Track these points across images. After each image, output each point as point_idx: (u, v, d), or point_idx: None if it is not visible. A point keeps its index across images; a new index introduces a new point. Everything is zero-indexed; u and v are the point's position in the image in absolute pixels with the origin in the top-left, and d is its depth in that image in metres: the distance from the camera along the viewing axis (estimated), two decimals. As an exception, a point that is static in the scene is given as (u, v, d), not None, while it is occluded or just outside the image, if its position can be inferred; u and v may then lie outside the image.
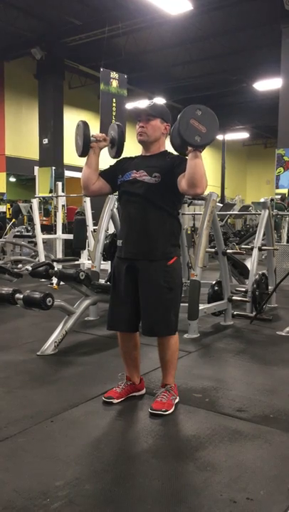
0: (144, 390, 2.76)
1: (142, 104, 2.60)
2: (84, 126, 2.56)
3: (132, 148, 2.62)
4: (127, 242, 2.51)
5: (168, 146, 2.55)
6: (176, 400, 2.59)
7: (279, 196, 8.03)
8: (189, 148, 2.25)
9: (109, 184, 2.61)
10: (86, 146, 2.56)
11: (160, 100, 12.26)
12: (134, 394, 2.70)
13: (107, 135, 2.64)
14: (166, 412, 2.46)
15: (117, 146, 2.63)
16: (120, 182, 2.56)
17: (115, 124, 2.67)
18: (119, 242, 2.58)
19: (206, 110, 2.22)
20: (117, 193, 2.68)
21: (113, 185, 2.61)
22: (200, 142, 2.20)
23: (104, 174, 2.62)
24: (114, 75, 9.22)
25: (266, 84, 11.66)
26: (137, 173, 2.48)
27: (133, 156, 2.63)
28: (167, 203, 2.48)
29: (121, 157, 2.67)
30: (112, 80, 9.08)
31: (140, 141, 2.53)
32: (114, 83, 9.13)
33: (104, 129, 7.88)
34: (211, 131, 2.21)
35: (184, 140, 2.23)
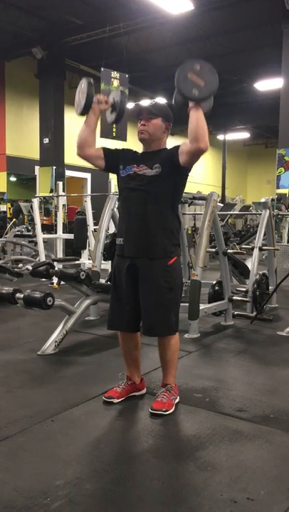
0: (145, 389, 2.76)
1: (144, 103, 2.59)
2: (88, 85, 2.49)
3: (134, 148, 2.61)
4: (127, 238, 2.50)
5: (168, 146, 2.55)
6: (177, 400, 2.59)
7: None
8: (190, 104, 2.25)
9: (105, 160, 2.57)
10: (88, 105, 2.50)
11: (161, 100, 12.26)
12: (134, 394, 2.70)
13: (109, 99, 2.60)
14: (167, 412, 2.46)
15: (117, 111, 2.58)
16: (122, 175, 2.53)
17: (119, 90, 2.65)
18: (119, 240, 2.56)
19: (205, 64, 2.22)
20: (117, 193, 2.67)
21: (108, 164, 2.57)
22: (198, 95, 2.21)
23: (106, 150, 2.59)
24: (115, 74, 9.22)
25: (267, 84, 11.64)
26: (138, 168, 2.47)
27: (137, 151, 2.60)
28: (167, 198, 2.47)
29: (125, 148, 2.64)
30: (112, 80, 9.08)
31: (141, 140, 2.53)
32: (116, 83, 9.13)
33: (105, 127, 7.88)
34: (209, 85, 2.21)
35: (182, 93, 2.23)
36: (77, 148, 2.57)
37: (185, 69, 2.21)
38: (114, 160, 2.58)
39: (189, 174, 2.53)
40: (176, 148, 2.41)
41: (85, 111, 2.53)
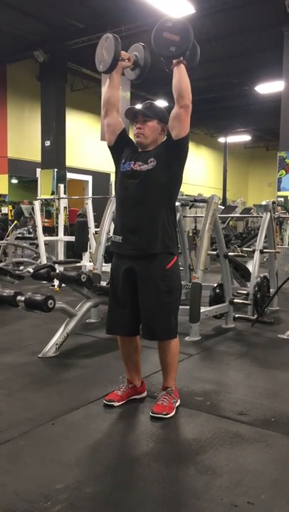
0: (145, 392, 2.75)
1: (139, 105, 2.59)
2: (115, 41, 2.42)
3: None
4: (125, 236, 2.47)
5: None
6: (177, 403, 2.59)
7: (281, 199, 8.03)
8: (173, 62, 2.30)
9: (115, 140, 2.56)
10: (114, 63, 2.44)
11: (162, 103, 12.28)
12: (135, 397, 2.70)
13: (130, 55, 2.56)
14: (167, 415, 2.46)
15: (141, 69, 2.53)
16: (121, 170, 2.52)
17: (140, 44, 2.56)
18: (116, 238, 2.51)
19: (176, 20, 2.26)
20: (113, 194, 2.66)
21: (115, 145, 2.57)
22: (176, 52, 2.26)
23: (123, 133, 2.57)
24: (116, 77, 9.21)
25: (268, 87, 11.67)
26: (135, 165, 2.47)
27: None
28: (164, 191, 2.46)
29: (131, 138, 2.63)
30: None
31: (137, 143, 2.53)
32: (117, 86, 9.12)
33: (104, 131, 7.89)
34: (184, 39, 2.26)
35: (160, 53, 2.28)
36: (102, 108, 2.57)
37: (159, 29, 2.24)
38: (121, 147, 2.57)
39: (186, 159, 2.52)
40: (168, 133, 2.43)
41: (111, 69, 2.48)
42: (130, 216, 2.47)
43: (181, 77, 2.33)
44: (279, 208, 7.72)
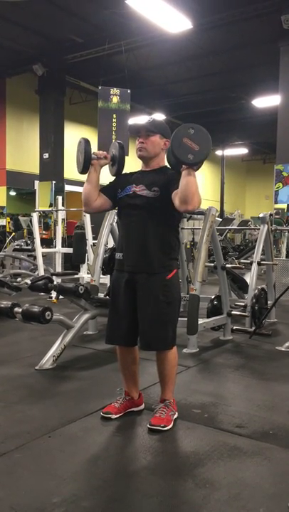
0: (143, 405, 2.74)
1: (142, 120, 2.62)
2: (85, 144, 2.58)
3: (134, 163, 2.64)
4: (127, 254, 2.52)
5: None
6: (175, 416, 2.57)
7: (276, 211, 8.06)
8: (183, 166, 2.28)
9: (110, 200, 2.62)
10: (87, 163, 2.57)
11: (160, 116, 12.38)
12: (132, 409, 2.68)
13: (108, 153, 2.66)
14: (165, 428, 2.44)
15: (117, 164, 2.64)
16: (120, 196, 2.57)
17: (116, 142, 2.69)
18: (118, 255, 2.59)
19: (199, 128, 2.25)
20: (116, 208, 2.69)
21: (114, 200, 2.62)
22: (193, 160, 2.23)
23: (105, 190, 2.63)
24: (114, 91, 9.30)
25: (265, 101, 11.79)
26: (137, 188, 2.51)
27: (133, 171, 2.65)
28: (166, 217, 2.50)
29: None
30: (112, 97, 9.16)
31: (140, 157, 2.56)
32: (115, 99, 9.21)
33: (101, 146, 7.94)
34: (203, 149, 2.24)
35: (177, 158, 2.26)
36: (83, 205, 2.64)
37: (180, 134, 2.24)
38: (114, 192, 2.61)
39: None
40: (173, 181, 2.39)
41: (85, 169, 2.59)
42: (132, 237, 2.51)
43: (189, 184, 2.27)
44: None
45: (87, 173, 2.60)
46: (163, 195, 2.44)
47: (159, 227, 2.48)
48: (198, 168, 2.33)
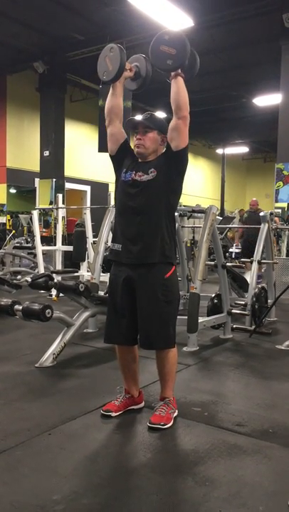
0: (143, 403, 2.74)
1: (139, 116, 2.62)
2: (121, 52, 2.46)
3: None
4: (125, 244, 2.49)
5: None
6: (175, 414, 2.57)
7: (279, 210, 8.07)
8: (171, 74, 2.31)
9: (117, 150, 2.58)
10: (120, 72, 2.47)
11: (161, 114, 12.37)
12: (132, 407, 2.68)
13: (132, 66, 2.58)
14: (165, 426, 2.44)
15: (143, 79, 2.56)
16: (122, 178, 2.54)
17: (141, 55, 2.58)
18: (115, 246, 2.53)
19: (173, 33, 2.27)
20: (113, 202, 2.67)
21: (117, 155, 2.59)
22: (172, 65, 2.26)
23: (125, 143, 2.59)
24: (115, 88, 9.28)
25: (266, 100, 11.77)
26: (136, 175, 2.49)
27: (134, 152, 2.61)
28: (164, 202, 2.48)
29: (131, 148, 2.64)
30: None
31: (138, 154, 2.55)
32: (116, 97, 9.19)
33: (102, 142, 7.93)
34: (181, 52, 2.26)
35: (158, 67, 2.29)
36: (106, 117, 2.58)
37: (156, 43, 2.26)
38: (122, 157, 2.59)
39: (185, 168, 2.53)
40: (168, 144, 2.43)
41: (116, 79, 2.50)
42: (130, 225, 2.49)
43: (178, 89, 2.34)
44: (277, 218, 7.75)
45: (112, 84, 2.53)
46: (160, 175, 2.44)
47: (156, 212, 2.46)
48: (187, 76, 2.34)
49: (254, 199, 9.48)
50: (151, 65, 2.36)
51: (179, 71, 2.37)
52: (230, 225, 9.87)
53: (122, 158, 2.59)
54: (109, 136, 2.63)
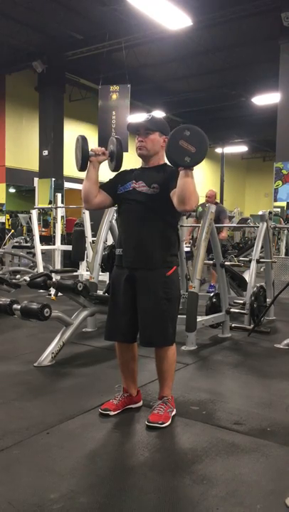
0: (141, 402, 2.75)
1: (141, 117, 2.62)
2: (82, 141, 2.58)
3: (135, 159, 2.64)
4: (126, 250, 2.53)
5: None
6: (173, 413, 2.58)
7: (278, 209, 8.08)
8: (180, 168, 2.27)
9: (110, 197, 2.61)
10: (85, 161, 2.58)
11: (159, 113, 12.36)
12: (131, 406, 2.69)
13: (106, 149, 2.66)
14: (163, 425, 2.45)
15: (116, 159, 2.64)
16: (120, 192, 2.57)
17: (114, 137, 2.69)
18: (118, 251, 2.59)
19: (195, 130, 2.23)
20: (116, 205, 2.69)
21: (114, 197, 2.61)
22: (190, 162, 2.22)
23: (104, 187, 2.62)
24: (114, 88, 9.30)
25: (264, 99, 11.77)
26: (136, 184, 2.51)
27: (134, 168, 2.64)
28: (166, 213, 2.49)
29: (121, 170, 2.69)
30: (111, 94, 9.17)
31: (140, 155, 2.56)
32: (114, 96, 9.22)
33: (102, 143, 7.94)
34: (200, 151, 2.22)
35: (174, 162, 2.26)
36: (84, 203, 2.63)
37: (176, 137, 2.22)
38: (115, 189, 2.60)
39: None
40: (173, 178, 2.37)
41: (83, 166, 2.59)
42: (132, 233, 2.52)
43: (186, 184, 2.26)
44: (281, 219, 7.78)
45: (86, 170, 2.60)
46: (162, 192, 2.44)
47: (158, 224, 2.48)
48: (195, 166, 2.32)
49: (211, 190, 7.87)
50: (168, 157, 2.30)
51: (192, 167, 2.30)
52: (229, 224, 9.86)
53: (117, 189, 2.60)
54: (98, 208, 2.70)
